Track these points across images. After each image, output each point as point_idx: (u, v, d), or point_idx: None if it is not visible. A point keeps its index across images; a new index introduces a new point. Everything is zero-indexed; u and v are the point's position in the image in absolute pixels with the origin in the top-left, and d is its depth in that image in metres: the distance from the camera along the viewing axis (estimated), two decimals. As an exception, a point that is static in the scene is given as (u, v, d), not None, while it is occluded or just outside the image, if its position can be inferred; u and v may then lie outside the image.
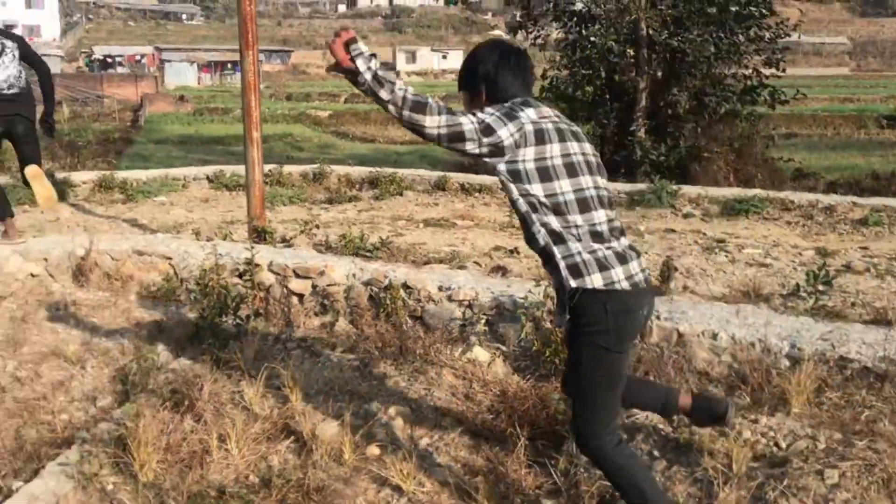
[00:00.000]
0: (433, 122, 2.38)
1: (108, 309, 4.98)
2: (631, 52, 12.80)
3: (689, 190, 8.77)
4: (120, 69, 63.04)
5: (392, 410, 3.67)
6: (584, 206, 2.47)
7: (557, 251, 2.46)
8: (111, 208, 8.65)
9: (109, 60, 65.43)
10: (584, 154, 2.57)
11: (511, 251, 6.06)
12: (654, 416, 3.49)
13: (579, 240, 2.45)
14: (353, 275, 4.96)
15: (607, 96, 13.16)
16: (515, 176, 2.45)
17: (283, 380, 3.90)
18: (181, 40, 76.34)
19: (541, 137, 2.45)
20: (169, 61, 65.50)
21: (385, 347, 4.30)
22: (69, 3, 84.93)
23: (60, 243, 5.61)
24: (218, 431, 3.33)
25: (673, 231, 7.24)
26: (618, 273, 2.44)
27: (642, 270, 2.55)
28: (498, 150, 2.42)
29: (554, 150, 2.47)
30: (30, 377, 4.10)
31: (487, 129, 2.40)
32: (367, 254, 5.52)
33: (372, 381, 3.95)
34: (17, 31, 71.12)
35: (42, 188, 6.03)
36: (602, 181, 2.60)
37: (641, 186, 9.01)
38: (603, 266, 2.43)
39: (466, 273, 5.02)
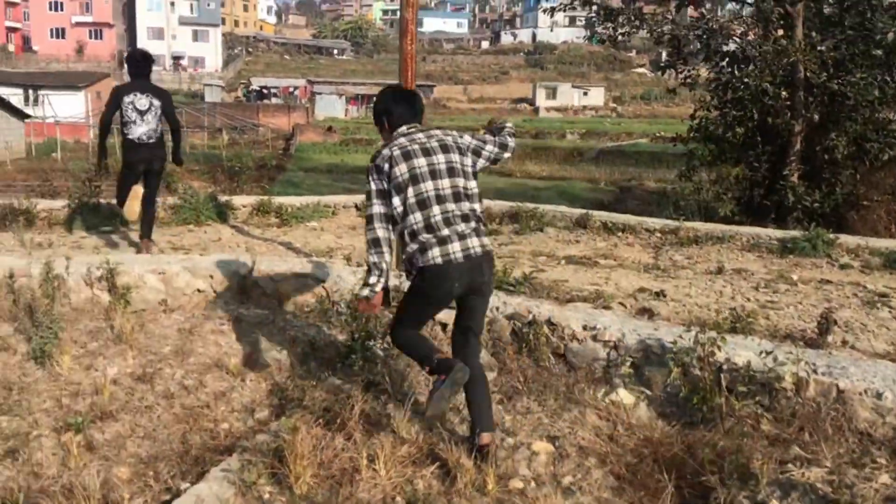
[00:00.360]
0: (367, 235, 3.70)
1: (266, 326, 5.27)
2: (786, 94, 12.34)
3: (848, 240, 8.33)
4: (274, 100, 66.76)
5: (535, 446, 3.69)
6: (422, 206, 3.48)
7: (405, 247, 3.58)
8: (267, 231, 9.16)
9: (265, 91, 69.42)
10: (430, 164, 3.51)
11: (657, 293, 5.95)
12: (810, 474, 3.34)
13: (414, 235, 3.51)
14: (497, 308, 5.03)
15: (759, 139, 12.71)
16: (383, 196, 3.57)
17: (429, 407, 4.00)
18: (331, 74, 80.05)
19: (392, 164, 3.51)
20: (319, 93, 68.72)
21: (528, 382, 4.32)
22: (231, 38, 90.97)
23: (225, 262, 6.00)
24: (367, 451, 3.46)
25: (829, 282, 6.89)
26: (434, 253, 3.45)
27: (464, 249, 3.48)
28: (378, 193, 3.58)
29: (401, 169, 3.49)
30: (195, 386, 4.40)
31: (368, 195, 3.64)
32: (510, 288, 5.57)
33: (515, 415, 3.98)
34: (184, 62, 77.18)
35: (136, 205, 7.59)
36: (447, 182, 3.52)
37: (794, 233, 8.63)
38: (424, 251, 3.47)
39: (612, 313, 4.97)
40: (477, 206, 3.66)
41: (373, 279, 3.63)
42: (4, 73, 45.88)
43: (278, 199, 10.18)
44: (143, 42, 76.60)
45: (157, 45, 77.51)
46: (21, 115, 29.31)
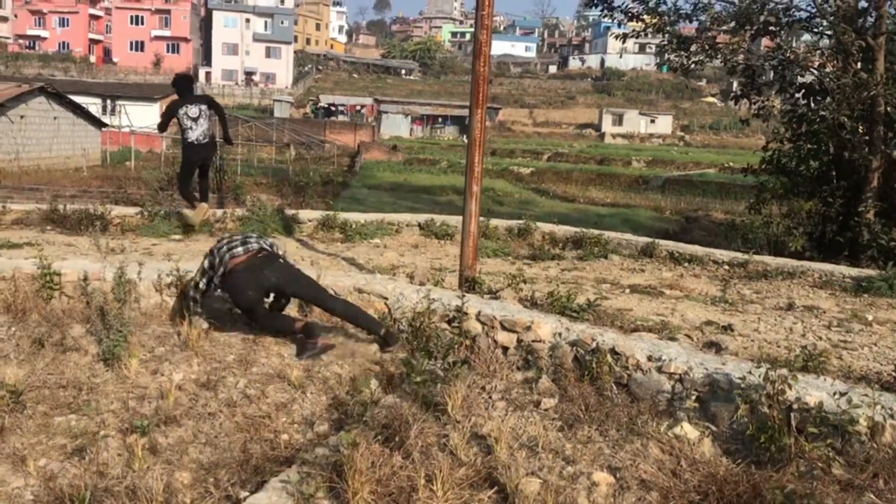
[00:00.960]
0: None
1: (329, 339, 5.31)
2: (864, 128, 11.98)
3: (927, 281, 7.99)
4: (341, 117, 67.83)
5: (596, 476, 3.61)
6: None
7: None
8: (331, 246, 9.27)
9: (333, 108, 70.59)
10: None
11: (724, 327, 5.80)
12: None
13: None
14: (560, 334, 4.98)
15: (833, 173, 12.36)
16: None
17: (488, 430, 3.96)
18: (398, 93, 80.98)
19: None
20: (386, 112, 69.59)
21: (589, 411, 4.25)
22: (302, 55, 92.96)
23: (290, 274, 6.08)
24: (425, 471, 3.44)
25: (907, 324, 6.61)
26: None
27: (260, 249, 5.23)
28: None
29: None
30: (257, 396, 4.45)
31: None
32: (574, 314, 5.50)
33: (576, 444, 3.91)
34: (256, 77, 79.08)
35: (200, 215, 9.45)
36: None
37: (869, 272, 8.33)
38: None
39: (677, 345, 4.86)
40: None
41: None
42: (85, 84, 47.78)
43: (343, 215, 10.30)
44: (218, 57, 78.92)
45: (231, 60, 79.75)
46: (98, 123, 30.44)
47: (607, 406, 4.32)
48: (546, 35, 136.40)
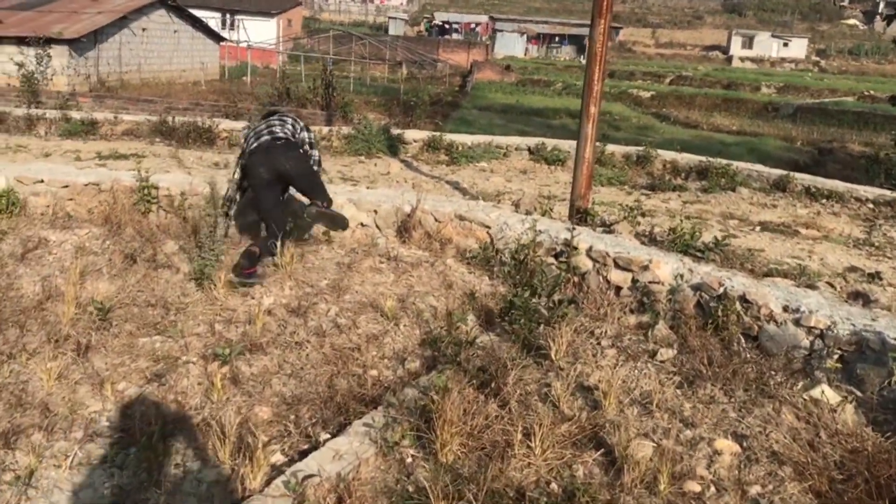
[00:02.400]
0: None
1: (425, 269, 4.98)
2: None
3: None
4: (455, 35, 66.54)
5: (719, 444, 3.15)
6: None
7: None
8: (436, 168, 8.89)
9: (447, 27, 69.28)
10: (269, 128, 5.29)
11: (871, 275, 5.10)
12: None
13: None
14: (681, 276, 4.44)
15: None
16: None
17: (595, 380, 3.55)
18: (515, 11, 78.55)
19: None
20: (500, 31, 67.82)
21: (712, 366, 3.75)
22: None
23: (390, 198, 5.75)
24: (523, 424, 3.07)
25: None
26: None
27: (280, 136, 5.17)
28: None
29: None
30: (348, 326, 4.17)
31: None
32: (698, 254, 4.94)
33: (696, 404, 3.44)
34: (372, -5, 78.10)
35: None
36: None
37: None
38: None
39: (818, 295, 4.25)
40: None
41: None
42: (206, -2, 48.40)
43: (449, 136, 9.86)
44: (335, -27, 78.33)
45: (348, -24, 79.06)
46: (217, 38, 30.75)
47: (734, 362, 3.80)
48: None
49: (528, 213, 5.78)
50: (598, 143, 9.39)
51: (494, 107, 28.82)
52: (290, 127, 5.30)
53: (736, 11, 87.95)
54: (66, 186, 5.75)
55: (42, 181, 5.75)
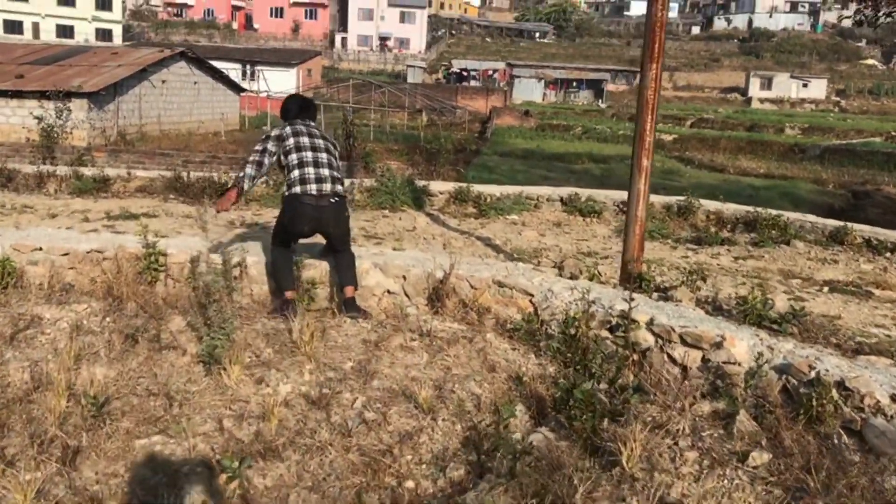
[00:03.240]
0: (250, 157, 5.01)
1: (463, 345, 4.40)
2: None
3: None
4: (473, 82, 66.78)
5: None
6: (313, 163, 4.95)
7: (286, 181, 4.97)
8: (464, 222, 8.37)
9: (465, 74, 69.58)
10: (316, 146, 5.03)
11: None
12: None
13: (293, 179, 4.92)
14: (760, 354, 3.84)
15: None
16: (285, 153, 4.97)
17: (679, 495, 2.93)
18: (532, 57, 78.90)
19: (291, 135, 5.02)
20: (518, 77, 68.04)
21: (815, 471, 3.12)
22: (436, 20, 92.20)
23: (420, 261, 5.21)
24: (598, 563, 2.46)
25: None
26: (300, 189, 4.89)
27: (321, 192, 4.92)
28: (276, 139, 5.01)
29: (290, 141, 4.99)
30: (377, 421, 3.59)
31: (266, 137, 5.07)
32: (774, 326, 4.33)
33: (808, 529, 2.81)
34: (390, 43, 79.11)
35: None
36: (323, 155, 5.03)
37: None
38: (292, 186, 4.90)
39: (928, 379, 3.62)
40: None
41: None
42: (225, 49, 48.91)
43: (477, 188, 9.36)
44: (354, 22, 79.50)
45: (366, 25, 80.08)
46: (237, 88, 30.79)
47: (838, 461, 3.18)
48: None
49: (572, 276, 5.22)
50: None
51: (515, 152, 28.45)
52: (333, 154, 5.17)
53: (753, 53, 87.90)
54: (67, 254, 5.26)
55: (41, 249, 5.27)
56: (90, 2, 62.79)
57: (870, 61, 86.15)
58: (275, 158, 4.95)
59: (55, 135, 17.35)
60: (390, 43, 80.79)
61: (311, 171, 4.88)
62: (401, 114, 38.89)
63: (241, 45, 60.38)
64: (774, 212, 8.18)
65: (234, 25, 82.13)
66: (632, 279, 4.90)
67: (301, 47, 65.95)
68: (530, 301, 4.75)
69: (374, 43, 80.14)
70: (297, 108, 5.21)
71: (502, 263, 5.26)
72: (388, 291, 5.10)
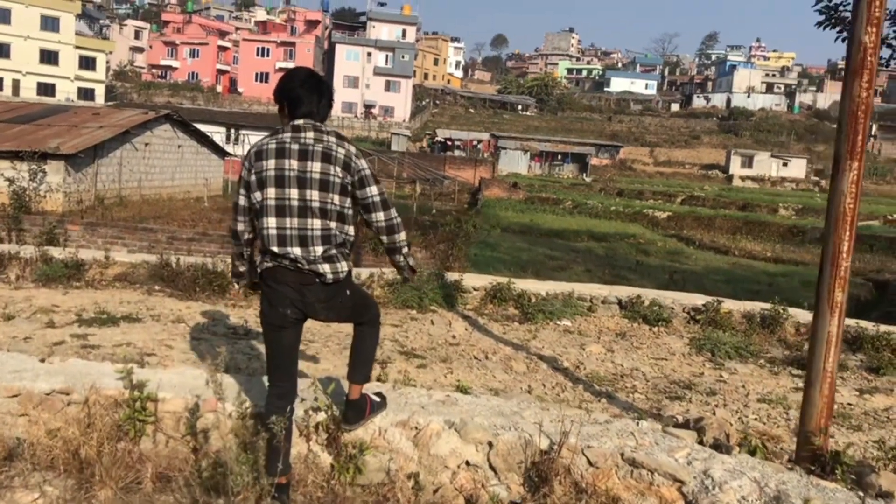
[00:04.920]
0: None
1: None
2: None
3: None
4: (458, 152, 66.36)
5: None
6: (280, 211, 3.15)
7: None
8: (509, 329, 7.00)
9: (449, 143, 69.27)
10: (302, 171, 3.12)
11: None
12: None
13: (270, 238, 3.18)
14: None
15: None
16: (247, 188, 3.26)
17: None
18: (515, 129, 79.01)
19: (259, 156, 3.19)
20: (504, 148, 67.84)
21: None
22: (421, 89, 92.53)
23: (510, 419, 3.79)
24: None
25: None
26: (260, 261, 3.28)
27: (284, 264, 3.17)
28: (244, 184, 3.26)
29: (269, 164, 3.15)
30: None
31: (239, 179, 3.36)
32: None
33: None
34: (375, 111, 78.92)
35: None
36: (295, 193, 3.12)
37: None
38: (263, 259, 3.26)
39: None
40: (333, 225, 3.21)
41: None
42: (210, 112, 47.82)
43: (519, 285, 8.01)
44: (339, 89, 79.35)
45: (352, 92, 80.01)
46: (221, 152, 29.57)
47: None
48: (667, 73, 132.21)
49: (722, 446, 3.81)
50: (711, 299, 7.56)
51: (513, 227, 27.38)
52: (329, 189, 3.14)
53: (732, 131, 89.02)
54: (17, 395, 3.80)
55: (-19, 387, 3.80)
56: (73, 60, 61.89)
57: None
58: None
59: (27, 199, 15.89)
60: (375, 110, 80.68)
61: (270, 222, 3.16)
62: (388, 182, 37.84)
63: (225, 109, 59.47)
64: (882, 327, 6.88)
65: (219, 89, 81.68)
66: (819, 461, 3.51)
67: (286, 112, 65.04)
68: (679, 490, 3.35)
69: (359, 110, 79.99)
70: (293, 94, 3.25)
71: (622, 423, 3.86)
72: (468, 463, 3.67)
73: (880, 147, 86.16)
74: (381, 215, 3.26)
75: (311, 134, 3.18)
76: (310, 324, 3.76)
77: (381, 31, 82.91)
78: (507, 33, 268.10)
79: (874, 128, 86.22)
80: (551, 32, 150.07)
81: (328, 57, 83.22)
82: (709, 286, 17.38)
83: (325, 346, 5.96)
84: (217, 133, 35.16)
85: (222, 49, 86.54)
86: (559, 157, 71.30)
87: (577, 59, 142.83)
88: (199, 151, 27.04)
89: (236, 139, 39.22)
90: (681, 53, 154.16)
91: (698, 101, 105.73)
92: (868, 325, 6.92)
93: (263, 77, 79.81)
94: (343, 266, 3.24)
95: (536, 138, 73.34)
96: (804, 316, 7.40)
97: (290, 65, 79.36)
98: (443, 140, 70.17)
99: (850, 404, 5.32)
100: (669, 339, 7.03)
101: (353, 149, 3.22)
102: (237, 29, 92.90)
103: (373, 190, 3.22)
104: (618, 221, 34.30)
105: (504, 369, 5.59)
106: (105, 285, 7.63)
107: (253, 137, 38.40)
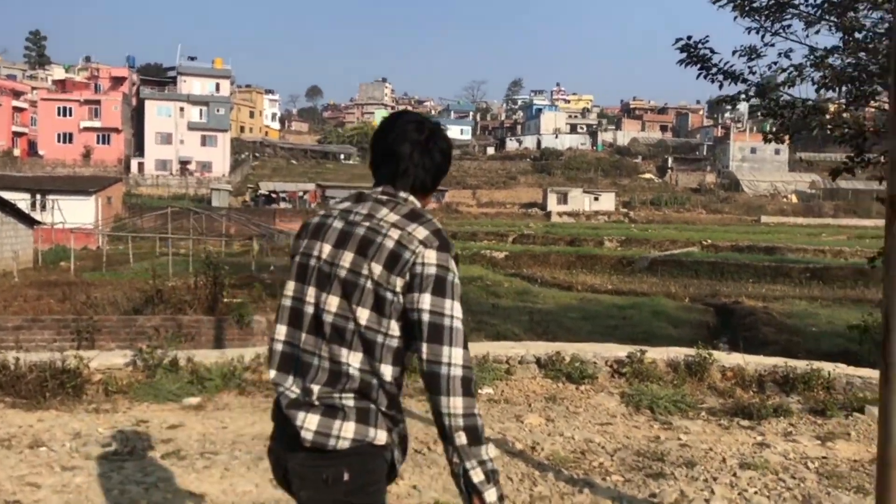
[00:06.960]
0: None
1: None
2: None
3: None
4: (283, 204, 64.75)
5: None
6: (294, 318, 2.11)
7: None
8: (423, 401, 6.23)
9: (274, 196, 67.52)
10: (330, 261, 2.05)
11: None
12: None
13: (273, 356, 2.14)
14: None
15: None
16: None
17: None
18: (340, 178, 78.40)
19: (299, 234, 2.23)
20: (332, 198, 66.94)
21: None
22: (238, 143, 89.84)
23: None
24: None
25: None
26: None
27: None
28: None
29: (301, 246, 2.16)
30: None
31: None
32: None
33: None
34: (192, 167, 75.44)
35: None
36: (334, 302, 2.01)
37: None
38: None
39: None
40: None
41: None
42: (11, 178, 43.32)
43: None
44: (151, 147, 75.44)
45: (165, 149, 76.17)
46: (30, 221, 26.67)
47: None
48: (479, 118, 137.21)
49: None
50: (634, 348, 7.19)
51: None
52: (360, 301, 2.01)
53: (545, 171, 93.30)
54: None
55: None
56: None
57: (647, 175, 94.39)
58: None
59: None
60: (192, 166, 77.14)
61: (280, 332, 2.15)
62: (215, 240, 35.83)
63: (27, 174, 54.37)
64: (815, 364, 6.74)
65: (17, 152, 74.77)
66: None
67: (94, 174, 60.78)
68: None
69: (174, 167, 76.15)
70: (377, 151, 2.25)
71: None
72: None
73: (677, 178, 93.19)
74: (444, 354, 1.95)
75: (368, 206, 2.12)
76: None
77: (193, 86, 79.79)
78: (320, 84, 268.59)
79: (670, 160, 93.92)
80: (365, 83, 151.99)
81: (137, 113, 78.86)
82: (569, 325, 17.48)
83: (233, 456, 4.93)
84: (22, 200, 31.74)
85: (18, 110, 79.50)
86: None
87: (392, 108, 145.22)
88: (5, 221, 24.18)
89: (43, 205, 35.68)
90: (489, 99, 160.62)
91: (511, 144, 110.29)
92: (798, 364, 6.79)
93: (67, 137, 74.00)
94: (349, 431, 1.98)
95: (364, 187, 73.00)
96: (727, 359, 7.19)
97: (97, 124, 74.32)
98: (267, 193, 68.28)
99: (824, 457, 5.02)
100: (600, 397, 6.55)
101: (425, 233, 2.02)
102: (33, 89, 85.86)
103: (437, 302, 1.96)
104: (461, 264, 34.39)
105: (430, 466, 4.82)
106: (-77, 402, 6.08)
107: (63, 202, 35.11)
